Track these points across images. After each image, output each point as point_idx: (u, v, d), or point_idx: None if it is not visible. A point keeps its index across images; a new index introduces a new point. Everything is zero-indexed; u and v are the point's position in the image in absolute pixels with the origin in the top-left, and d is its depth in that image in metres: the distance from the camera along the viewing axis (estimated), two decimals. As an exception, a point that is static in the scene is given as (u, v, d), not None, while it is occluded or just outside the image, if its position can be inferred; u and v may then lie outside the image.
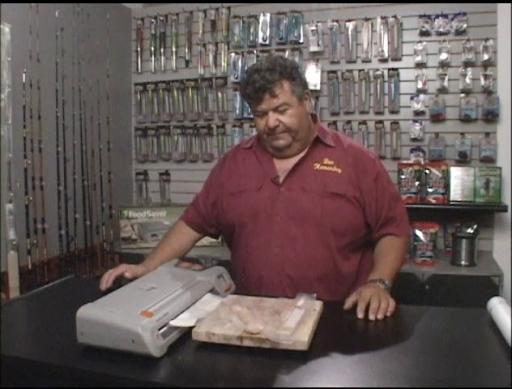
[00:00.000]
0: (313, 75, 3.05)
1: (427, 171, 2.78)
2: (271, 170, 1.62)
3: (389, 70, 2.96)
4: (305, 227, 1.54)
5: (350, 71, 3.02)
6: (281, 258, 1.54)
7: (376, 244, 1.64)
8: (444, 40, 2.85)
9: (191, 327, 1.11)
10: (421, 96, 2.91)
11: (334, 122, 3.07)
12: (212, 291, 1.34)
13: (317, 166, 1.59)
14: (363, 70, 3.00)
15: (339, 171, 1.58)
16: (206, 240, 2.23)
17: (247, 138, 1.91)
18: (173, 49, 3.36)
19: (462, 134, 2.87)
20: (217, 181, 1.73)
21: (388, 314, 1.28)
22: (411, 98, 2.93)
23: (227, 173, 1.71)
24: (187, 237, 1.76)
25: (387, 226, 1.62)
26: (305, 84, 1.60)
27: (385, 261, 1.54)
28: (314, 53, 3.07)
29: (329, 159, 1.60)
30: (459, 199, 2.77)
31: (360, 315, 1.27)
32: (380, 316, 1.26)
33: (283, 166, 1.61)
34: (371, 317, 1.26)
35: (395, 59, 2.96)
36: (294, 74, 1.54)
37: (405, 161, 2.90)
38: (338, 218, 1.55)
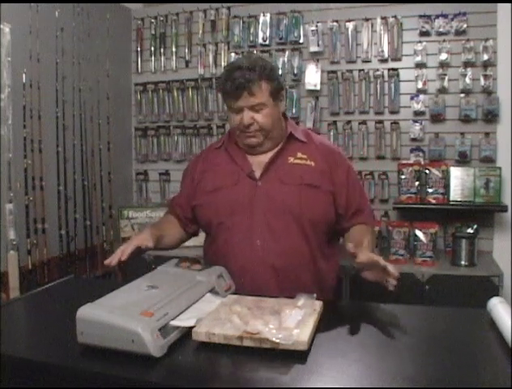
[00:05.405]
0: (313, 75, 3.05)
1: (427, 171, 2.78)
2: (245, 165, 1.65)
3: (389, 70, 2.97)
4: (285, 218, 1.58)
5: (350, 71, 3.03)
6: (264, 250, 1.57)
7: (349, 231, 1.67)
8: (444, 40, 2.86)
9: (191, 327, 1.11)
10: (421, 96, 2.91)
11: (335, 122, 3.07)
12: (212, 291, 1.34)
13: (292, 160, 1.64)
14: (363, 70, 3.01)
15: (313, 164, 1.63)
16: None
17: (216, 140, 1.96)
18: (173, 49, 3.36)
19: (462, 134, 2.87)
20: (192, 183, 1.73)
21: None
22: (411, 98, 2.93)
23: (200, 173, 1.72)
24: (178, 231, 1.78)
25: (358, 216, 1.68)
26: (281, 86, 1.65)
27: (365, 242, 1.56)
28: (314, 53, 3.07)
29: (302, 153, 1.65)
30: (459, 199, 2.77)
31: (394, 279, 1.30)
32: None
33: (257, 160, 1.65)
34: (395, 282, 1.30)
35: (395, 59, 2.96)
36: (273, 76, 1.59)
37: (405, 161, 2.90)
38: (314, 208, 1.60)
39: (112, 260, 1.41)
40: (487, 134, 2.83)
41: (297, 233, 1.59)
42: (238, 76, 1.52)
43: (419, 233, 2.69)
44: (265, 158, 1.64)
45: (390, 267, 1.30)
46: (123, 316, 1.07)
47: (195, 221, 1.76)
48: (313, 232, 1.60)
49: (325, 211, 1.63)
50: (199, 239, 1.87)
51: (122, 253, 1.42)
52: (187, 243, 1.86)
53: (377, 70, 2.98)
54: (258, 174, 1.62)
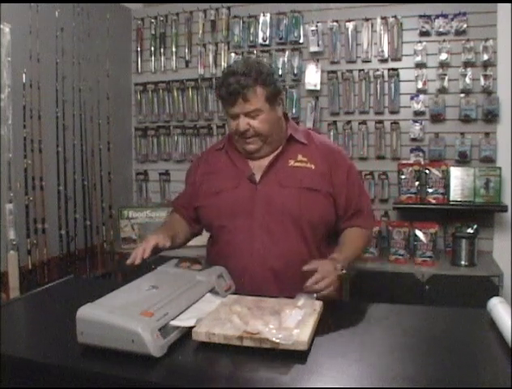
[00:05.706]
0: (313, 75, 3.05)
1: (427, 171, 2.78)
2: (246, 168, 1.65)
3: (389, 70, 2.97)
4: (284, 221, 1.58)
5: (350, 71, 3.03)
6: (263, 253, 1.57)
7: (343, 232, 1.69)
8: (444, 40, 2.86)
9: (191, 327, 1.11)
10: (421, 96, 2.91)
11: (335, 122, 3.07)
12: (212, 291, 1.34)
13: (292, 162, 1.63)
14: (363, 70, 3.01)
15: (313, 167, 1.63)
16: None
17: (218, 141, 1.97)
18: (173, 49, 3.36)
19: (462, 134, 2.87)
20: (194, 184, 1.74)
21: (323, 292, 1.35)
22: (411, 98, 2.93)
23: (201, 175, 1.72)
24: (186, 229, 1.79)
25: (355, 218, 1.68)
26: (278, 90, 1.62)
27: (348, 247, 1.60)
28: (314, 53, 3.07)
29: (302, 155, 1.64)
30: (459, 199, 2.77)
31: (309, 284, 1.35)
32: (315, 289, 1.35)
33: (258, 163, 1.64)
34: (310, 287, 1.35)
35: (395, 59, 2.96)
36: (269, 81, 1.56)
37: (405, 161, 2.90)
38: (314, 212, 1.60)
39: (135, 259, 1.42)
40: (487, 134, 2.83)
41: (296, 236, 1.59)
42: (232, 82, 1.51)
43: (419, 233, 2.69)
44: (265, 161, 1.64)
45: (309, 282, 1.35)
46: (123, 316, 1.07)
47: (198, 222, 1.77)
48: (313, 235, 1.61)
49: (324, 213, 1.63)
50: (200, 239, 1.87)
51: (144, 252, 1.43)
52: (188, 243, 1.87)
53: (377, 70, 2.98)
54: (258, 177, 1.62)
